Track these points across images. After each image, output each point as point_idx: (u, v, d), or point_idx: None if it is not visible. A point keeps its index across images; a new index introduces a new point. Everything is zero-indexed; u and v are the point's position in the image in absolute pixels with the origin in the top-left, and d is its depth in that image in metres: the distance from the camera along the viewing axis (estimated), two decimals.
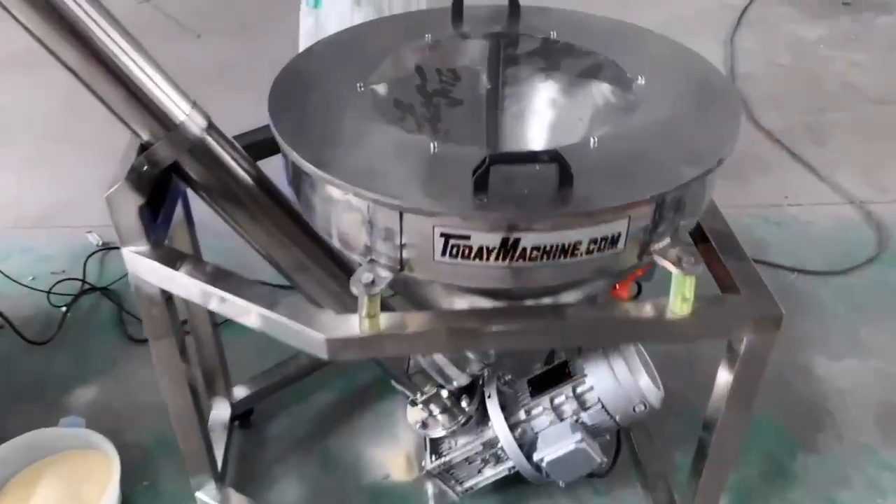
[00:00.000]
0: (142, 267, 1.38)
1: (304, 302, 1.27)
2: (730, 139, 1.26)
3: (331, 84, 1.42)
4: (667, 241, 1.23)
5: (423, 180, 1.17)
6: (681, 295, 1.21)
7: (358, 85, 1.40)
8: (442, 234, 1.13)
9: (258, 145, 1.58)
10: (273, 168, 1.47)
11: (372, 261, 1.22)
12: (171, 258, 1.37)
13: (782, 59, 4.13)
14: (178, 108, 1.35)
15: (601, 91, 1.54)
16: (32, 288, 2.54)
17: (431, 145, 1.22)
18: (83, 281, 2.56)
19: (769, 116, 3.55)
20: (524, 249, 1.13)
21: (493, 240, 1.12)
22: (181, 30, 4.38)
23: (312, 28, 2.59)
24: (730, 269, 1.33)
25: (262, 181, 1.49)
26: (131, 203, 1.32)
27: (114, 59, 1.26)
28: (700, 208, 1.31)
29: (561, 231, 1.12)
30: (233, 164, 1.44)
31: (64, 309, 2.49)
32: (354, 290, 1.17)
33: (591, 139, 1.24)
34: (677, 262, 1.19)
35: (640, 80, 1.41)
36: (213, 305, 1.33)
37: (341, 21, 2.50)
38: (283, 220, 1.48)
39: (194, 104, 1.39)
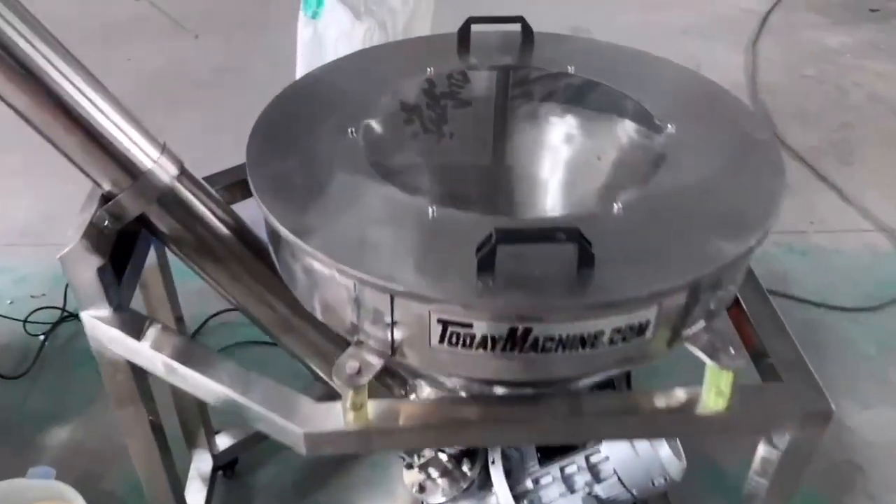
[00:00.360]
0: (102, 334, 1.22)
1: (279, 387, 1.10)
2: (774, 204, 1.09)
3: (318, 128, 1.25)
4: (701, 324, 1.06)
5: (419, 255, 1.00)
6: (716, 388, 1.05)
7: (350, 130, 1.23)
8: (439, 321, 0.97)
9: (238, 186, 1.42)
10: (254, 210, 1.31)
11: (359, 342, 1.06)
12: (135, 325, 1.21)
13: (806, 69, 3.93)
14: (145, 155, 1.20)
15: (625, 130, 1.38)
16: (6, 317, 2.38)
17: (430, 210, 1.06)
18: (63, 309, 2.40)
19: (793, 132, 3.36)
20: (536, 340, 0.97)
21: (499, 329, 0.96)
22: (178, 29, 4.21)
23: (311, 39, 2.43)
24: (769, 350, 1.17)
25: (241, 232, 1.33)
26: (89, 265, 1.16)
27: (69, 101, 1.11)
28: (739, 281, 1.14)
29: (580, 321, 0.96)
30: (207, 214, 1.29)
31: (42, 338, 2.34)
32: (337, 379, 1.01)
33: (615, 205, 1.07)
34: (713, 353, 1.03)
35: (670, 128, 1.24)
36: (178, 382, 1.17)
37: (341, 33, 2.35)
38: (265, 275, 1.32)
39: (164, 148, 1.24)
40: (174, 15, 4.29)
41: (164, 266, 1.52)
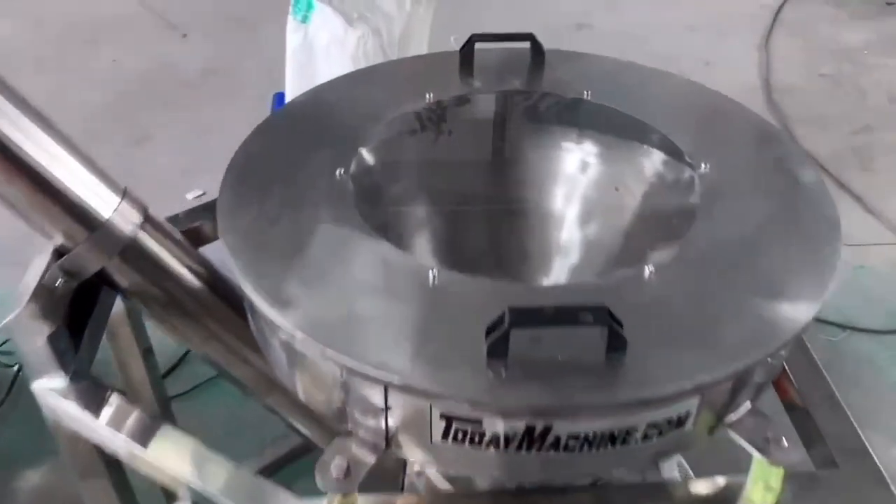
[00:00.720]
0: (56, 406, 1.07)
1: (255, 478, 0.96)
2: (832, 265, 0.94)
3: (302, 168, 1.09)
4: (747, 405, 0.91)
5: (417, 335, 0.85)
6: (763, 483, 0.90)
7: (338, 171, 1.08)
8: (443, 416, 0.82)
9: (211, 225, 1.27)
10: None
11: (348, 433, 0.90)
12: (95, 397, 1.06)
13: (822, 67, 3.76)
14: (104, 202, 1.04)
15: (651, 168, 1.22)
16: None
17: (430, 274, 0.91)
18: None
19: (811, 136, 3.19)
20: (557, 438, 0.82)
21: (514, 427, 0.81)
22: (165, 27, 4.04)
23: (300, 45, 2.27)
24: (822, 429, 1.01)
25: (214, 283, 1.18)
26: (39, 332, 1.00)
27: (8, 143, 0.95)
28: (787, 353, 0.99)
29: (609, 418, 0.81)
30: (176, 265, 1.14)
31: (16, 368, 2.18)
32: (320, 480, 0.86)
33: (647, 268, 0.91)
34: (763, 446, 0.88)
35: (704, 168, 1.09)
36: (140, 467, 1.02)
37: (332, 39, 2.19)
38: (243, 329, 1.16)
39: (125, 193, 1.08)
40: (161, 12, 4.12)
41: (132, 311, 1.36)
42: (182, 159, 3.00)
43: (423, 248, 1.32)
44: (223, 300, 1.18)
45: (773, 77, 3.65)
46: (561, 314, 0.79)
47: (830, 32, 4.06)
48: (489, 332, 0.80)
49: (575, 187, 1.36)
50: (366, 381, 0.82)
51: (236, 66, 3.67)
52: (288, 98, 2.36)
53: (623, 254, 1.27)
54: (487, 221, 1.41)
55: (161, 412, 1.56)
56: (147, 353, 1.47)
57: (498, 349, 0.79)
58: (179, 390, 2.06)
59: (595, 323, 0.78)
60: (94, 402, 1.05)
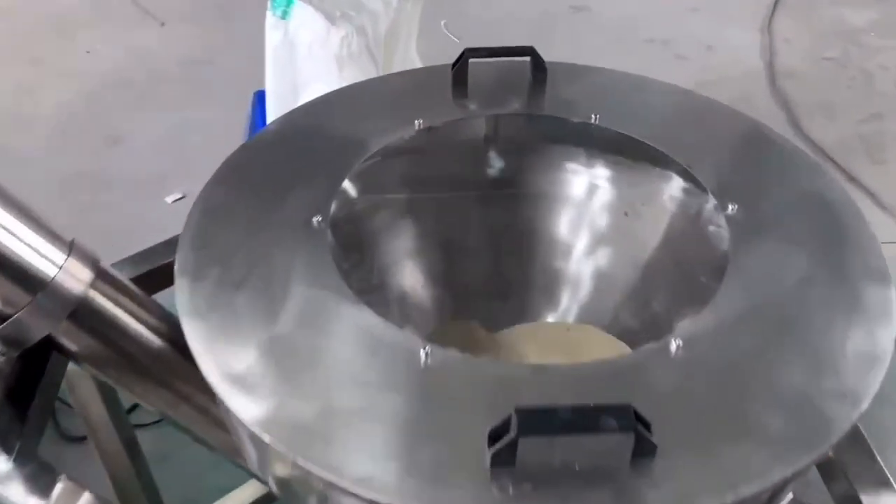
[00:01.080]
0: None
1: None
2: (889, 337, 0.81)
3: (275, 215, 0.96)
4: (789, 497, 0.79)
5: (407, 438, 0.72)
6: None
7: (315, 219, 0.94)
8: None
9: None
10: None
11: None
12: (41, 483, 0.93)
13: (827, 50, 3.61)
14: (47, 260, 0.91)
15: (671, 200, 1.10)
16: None
17: (422, 353, 0.78)
18: None
19: (817, 125, 3.06)
20: None
21: None
22: (141, 15, 3.85)
23: (281, 43, 2.12)
24: (860, 494, 0.90)
25: (178, 339, 1.04)
26: None
27: None
28: None
29: None
30: (133, 323, 1.01)
31: None
32: None
33: (674, 342, 0.78)
34: None
35: (731, 209, 0.95)
36: None
37: (314, 38, 2.04)
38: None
39: (72, 247, 0.94)
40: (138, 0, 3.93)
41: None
42: (160, 159, 2.85)
43: (417, 284, 1.19)
44: (188, 358, 1.05)
45: (777, 61, 3.50)
46: (578, 418, 0.66)
47: (834, 13, 3.90)
48: (493, 438, 0.67)
49: (582, 214, 1.23)
50: (347, 495, 0.70)
51: (216, 57, 3.50)
52: (269, 98, 2.22)
53: (637, 291, 1.15)
54: (487, 252, 1.28)
55: (125, 450, 1.43)
56: (106, 386, 1.34)
57: (504, 459, 0.66)
58: (156, 417, 1.94)
59: (619, 429, 0.65)
60: (40, 488, 0.93)
